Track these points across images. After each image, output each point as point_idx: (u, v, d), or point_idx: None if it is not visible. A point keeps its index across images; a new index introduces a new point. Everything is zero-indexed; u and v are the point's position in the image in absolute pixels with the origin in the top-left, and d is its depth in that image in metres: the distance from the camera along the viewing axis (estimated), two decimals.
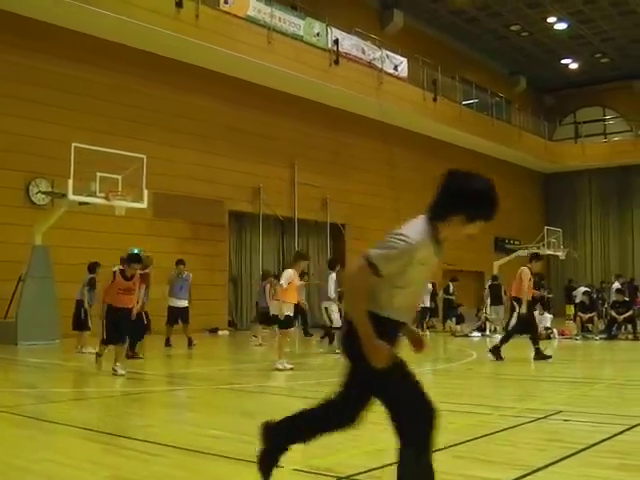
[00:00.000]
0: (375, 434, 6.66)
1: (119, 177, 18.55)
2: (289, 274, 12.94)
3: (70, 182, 17.62)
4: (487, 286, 25.90)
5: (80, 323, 16.42)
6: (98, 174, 18.20)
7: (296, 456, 5.64)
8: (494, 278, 26.26)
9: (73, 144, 17.75)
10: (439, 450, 5.77)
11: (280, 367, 12.32)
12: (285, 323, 12.90)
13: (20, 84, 21.01)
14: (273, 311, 15.24)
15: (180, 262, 18.34)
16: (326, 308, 17.22)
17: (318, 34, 27.84)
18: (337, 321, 16.32)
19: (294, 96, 28.19)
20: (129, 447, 6.11)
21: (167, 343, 17.79)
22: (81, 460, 5.64)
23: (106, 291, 12.12)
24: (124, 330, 12.05)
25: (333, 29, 28.38)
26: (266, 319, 18.53)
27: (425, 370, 13.70)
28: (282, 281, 12.89)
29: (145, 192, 19.32)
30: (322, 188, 29.63)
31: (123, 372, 11.36)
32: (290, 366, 12.50)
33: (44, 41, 21.30)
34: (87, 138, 19.17)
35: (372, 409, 7.19)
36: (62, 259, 20.22)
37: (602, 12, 35.40)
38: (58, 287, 19.48)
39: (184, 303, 17.95)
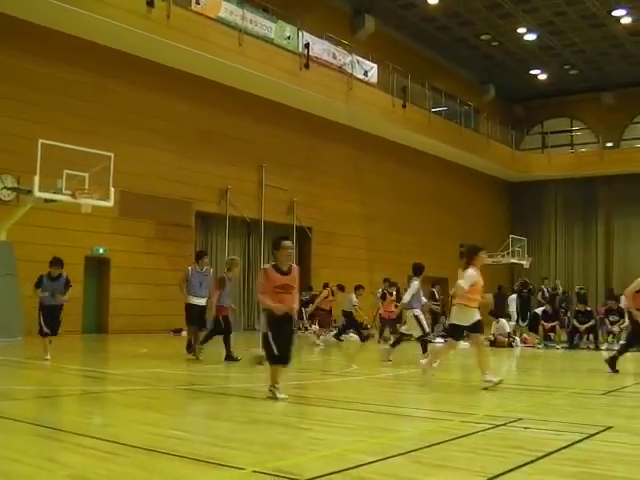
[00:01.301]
0: (336, 438, 6.69)
1: (86, 175, 18.46)
2: (473, 273, 10.98)
3: (36, 178, 17.50)
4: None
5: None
6: (65, 171, 18.09)
7: (256, 458, 5.64)
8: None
9: (40, 140, 17.65)
10: (399, 455, 5.81)
11: (493, 380, 10.48)
12: (476, 328, 10.92)
13: None
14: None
15: (201, 255, 16.16)
16: (416, 316, 15.50)
17: (289, 37, 27.87)
18: (427, 328, 15.83)
19: (264, 99, 28.19)
20: (89, 446, 6.06)
21: (189, 347, 15.41)
22: (40, 458, 5.59)
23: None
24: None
25: (304, 33, 28.44)
26: None
27: (387, 375, 13.75)
28: (463, 282, 10.72)
29: (112, 190, 19.22)
30: (290, 191, 29.66)
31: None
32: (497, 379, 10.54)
33: (11, 37, 21.15)
34: (54, 135, 19.04)
35: (332, 415, 7.19)
36: (26, 256, 20.01)
37: (572, 24, 35.79)
38: (21, 284, 19.30)
39: (203, 301, 15.50)
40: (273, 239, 9.68)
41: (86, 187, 18.56)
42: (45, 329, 14.01)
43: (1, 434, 6.63)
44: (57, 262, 14.26)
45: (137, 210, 24.00)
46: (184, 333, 24.29)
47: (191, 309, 15.46)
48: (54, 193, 18.14)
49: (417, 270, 16.04)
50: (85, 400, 9.47)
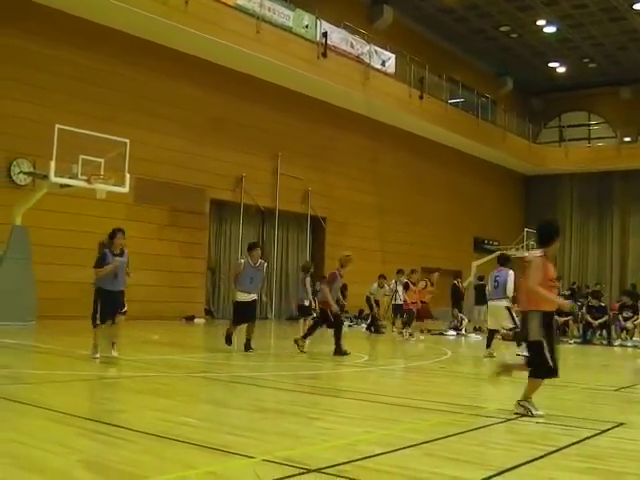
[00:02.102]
0: (346, 428, 6.70)
1: (102, 160, 18.44)
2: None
3: (52, 163, 17.50)
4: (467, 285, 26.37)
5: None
6: (81, 157, 18.07)
7: (267, 447, 5.65)
8: (480, 278, 26.37)
9: (57, 126, 17.64)
10: (410, 447, 5.81)
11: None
12: None
13: (4, 64, 20.84)
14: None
15: (254, 246, 14.64)
16: (508, 307, 14.89)
17: (307, 26, 27.79)
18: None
19: (280, 87, 28.15)
20: (100, 431, 6.09)
21: (228, 340, 14.40)
22: (51, 443, 5.61)
23: None
24: None
25: (322, 22, 28.35)
26: (304, 312, 18.79)
27: (398, 367, 13.75)
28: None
29: (127, 177, 19.21)
30: (305, 180, 29.62)
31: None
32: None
33: (30, 21, 21.15)
34: (71, 120, 19.03)
35: (343, 405, 7.20)
36: (41, 240, 20.12)
37: (592, 17, 35.56)
38: (36, 269, 19.39)
39: (251, 297, 14.23)
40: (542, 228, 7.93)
41: (102, 173, 18.57)
42: (98, 319, 11.86)
43: (13, 418, 6.66)
44: (122, 231, 12.45)
45: (152, 197, 24.02)
46: (196, 320, 24.47)
47: (237, 308, 14.34)
48: (70, 178, 18.14)
49: (505, 261, 15.57)
50: (98, 386, 9.51)
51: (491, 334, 15.25)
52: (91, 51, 22.53)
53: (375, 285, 24.22)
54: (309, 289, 18.59)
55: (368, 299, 24.31)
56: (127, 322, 22.07)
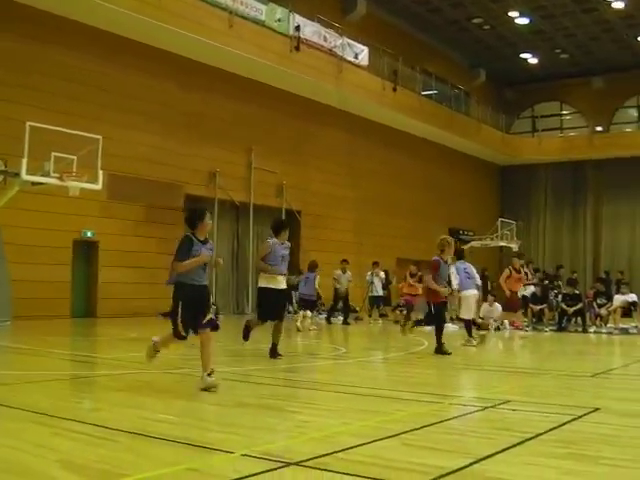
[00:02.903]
0: (324, 420, 6.71)
1: (74, 157, 18.31)
2: None
3: (24, 161, 17.35)
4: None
5: None
6: (53, 154, 17.94)
7: (245, 441, 5.65)
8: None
9: (28, 123, 17.50)
10: (388, 438, 5.83)
11: None
12: None
13: None
14: None
15: (282, 226, 12.93)
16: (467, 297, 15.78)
17: (280, 20, 27.74)
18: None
19: (254, 81, 28.09)
20: (78, 431, 6.06)
21: (245, 334, 13.37)
22: (29, 444, 5.58)
23: None
24: None
25: (295, 15, 28.32)
26: (310, 305, 20.45)
27: (376, 358, 13.79)
28: None
29: (100, 173, 19.09)
30: (279, 174, 29.59)
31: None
32: None
33: None
34: (43, 117, 18.91)
35: (321, 398, 7.22)
36: (14, 239, 19.99)
37: (564, 9, 35.73)
38: (10, 268, 19.25)
39: (283, 284, 12.55)
40: None
41: (74, 170, 18.44)
42: (183, 332, 8.79)
43: None
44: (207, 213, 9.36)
45: (126, 193, 23.90)
46: None
47: (266, 297, 12.23)
48: (42, 176, 18.00)
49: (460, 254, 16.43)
50: (75, 384, 9.47)
51: (467, 323, 15.61)
52: (62, 47, 22.36)
53: (338, 271, 24.06)
54: (317, 286, 21.03)
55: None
56: (104, 320, 22.14)
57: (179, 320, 8.72)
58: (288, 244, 12.81)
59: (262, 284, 12.17)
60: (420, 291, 20.64)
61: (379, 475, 4.71)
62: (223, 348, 13.79)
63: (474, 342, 15.13)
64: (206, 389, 8.11)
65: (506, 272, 20.80)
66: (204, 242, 9.18)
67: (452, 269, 15.50)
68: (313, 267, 21.26)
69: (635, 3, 34.88)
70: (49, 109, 21.11)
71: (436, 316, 13.76)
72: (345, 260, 24.37)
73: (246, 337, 13.00)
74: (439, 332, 13.42)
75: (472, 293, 15.72)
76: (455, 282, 15.65)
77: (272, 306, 12.03)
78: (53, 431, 6.07)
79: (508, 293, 20.34)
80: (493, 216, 38.99)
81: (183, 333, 8.75)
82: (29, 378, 9.51)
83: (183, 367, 11.21)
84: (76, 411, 7.23)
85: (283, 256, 12.39)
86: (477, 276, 16.08)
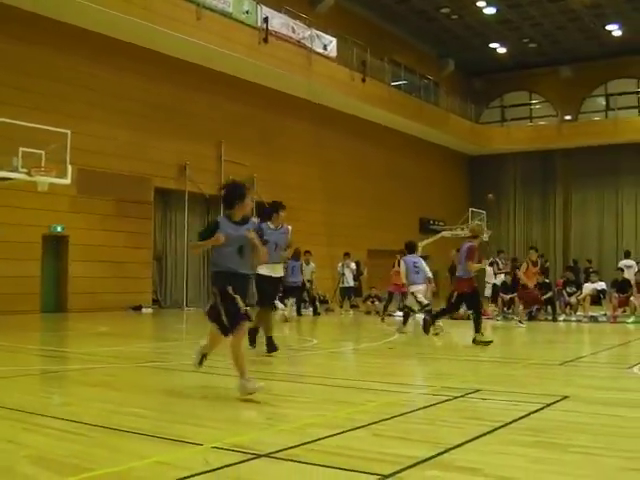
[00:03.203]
0: (295, 412, 6.73)
1: (42, 152, 18.21)
2: None
3: None
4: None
5: None
6: (21, 149, 17.83)
7: (216, 434, 5.66)
8: (423, 257, 26.55)
9: None
10: (359, 428, 5.86)
11: None
12: None
13: None
14: None
15: (277, 207, 12.40)
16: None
17: (247, 11, 27.66)
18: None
19: (223, 74, 28.00)
20: (48, 426, 6.04)
21: (252, 338, 11.86)
22: None
23: None
24: None
25: (263, 7, 28.25)
26: (293, 292, 20.87)
27: (347, 349, 13.83)
28: None
29: (69, 168, 19.00)
30: (250, 167, 29.50)
31: None
32: None
33: None
34: (10, 112, 18.74)
35: (292, 389, 7.23)
36: None
37: None
38: None
39: (277, 271, 12.19)
40: None
41: (43, 165, 18.33)
42: (227, 323, 7.58)
43: None
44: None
45: (95, 187, 23.77)
46: (144, 310, 24.31)
47: (261, 284, 11.68)
48: (10, 171, 17.89)
49: (412, 248, 16.55)
50: (44, 379, 9.42)
51: (407, 315, 16.40)
52: (30, 42, 22.14)
53: (301, 262, 23.68)
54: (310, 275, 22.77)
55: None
56: (74, 314, 22.03)
57: (223, 314, 7.56)
58: (286, 228, 12.09)
59: (258, 271, 11.45)
60: None
61: (350, 466, 4.74)
62: (191, 341, 13.75)
63: (438, 330, 15.35)
64: (250, 393, 7.27)
65: (524, 265, 20.24)
66: (241, 223, 7.90)
67: (402, 263, 16.25)
68: (297, 255, 21.73)
69: None
70: (16, 104, 20.89)
71: (477, 304, 13.85)
72: (308, 251, 24.22)
73: (253, 341, 11.64)
74: (477, 320, 13.45)
75: (419, 288, 15.80)
76: (403, 275, 16.12)
77: (265, 292, 11.62)
78: (23, 426, 6.04)
79: (531, 286, 20.05)
80: (463, 206, 39.13)
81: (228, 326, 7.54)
82: None
83: (155, 360, 11.18)
84: (46, 406, 7.20)
85: (277, 243, 11.67)
86: (427, 269, 16.17)
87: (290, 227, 12.06)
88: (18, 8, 21.53)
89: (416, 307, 15.97)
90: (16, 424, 6.13)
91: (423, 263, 16.14)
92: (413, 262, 16.01)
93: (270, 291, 11.66)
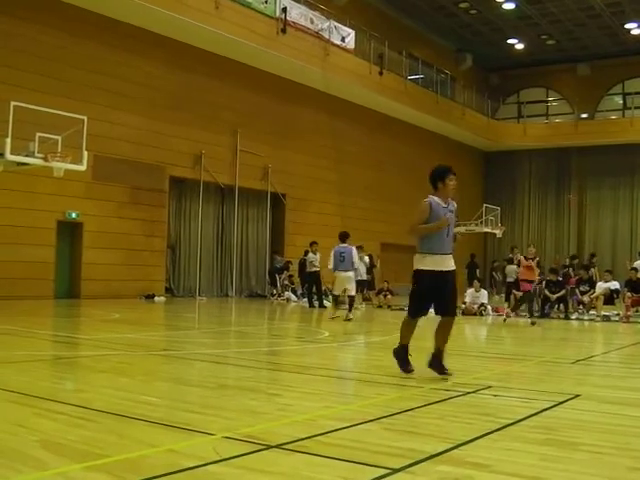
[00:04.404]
0: (306, 404, 6.73)
1: (59, 138, 18.25)
2: None
3: (8, 141, 17.28)
4: None
5: None
6: (37, 134, 17.88)
7: (227, 424, 5.66)
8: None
9: (12, 103, 17.42)
10: (369, 422, 5.86)
11: None
12: None
13: None
14: None
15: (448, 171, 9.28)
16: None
17: (266, 1, 27.63)
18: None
19: (240, 63, 28.01)
20: (60, 411, 6.05)
21: (402, 360, 8.78)
22: (9, 424, 5.57)
23: None
24: None
25: None
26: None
27: (359, 342, 13.82)
28: None
29: (85, 154, 19.05)
30: (264, 157, 29.55)
31: None
32: None
33: None
34: (27, 97, 18.81)
35: (303, 381, 7.21)
36: None
37: None
38: None
39: (449, 263, 9.14)
40: None
41: (59, 150, 18.38)
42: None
43: None
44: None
45: (110, 174, 23.85)
46: (157, 299, 24.37)
47: (425, 282, 8.37)
48: (26, 156, 17.95)
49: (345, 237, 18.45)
50: (56, 365, 9.44)
51: (336, 298, 18.54)
52: (48, 27, 22.22)
53: (311, 254, 23.48)
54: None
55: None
56: (87, 301, 22.10)
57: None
58: (454, 204, 8.98)
59: (420, 266, 8.37)
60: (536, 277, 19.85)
61: (359, 459, 4.73)
62: (203, 330, 13.79)
63: (335, 315, 17.74)
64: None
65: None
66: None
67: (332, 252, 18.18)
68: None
69: None
70: (35, 89, 20.99)
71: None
72: (314, 242, 23.78)
73: (404, 363, 8.65)
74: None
75: (347, 274, 17.85)
76: (330, 263, 18.03)
77: (433, 295, 8.35)
78: (34, 411, 6.06)
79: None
80: (477, 202, 39.08)
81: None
82: (11, 359, 9.49)
83: (167, 349, 11.21)
84: (58, 392, 7.22)
85: (449, 224, 8.60)
86: (355, 260, 18.22)
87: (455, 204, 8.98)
88: None
89: (336, 291, 18.39)
90: (27, 409, 6.16)
91: (353, 253, 18.01)
92: (340, 252, 17.90)
93: (434, 293, 8.36)
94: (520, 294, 21.68)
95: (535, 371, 9.75)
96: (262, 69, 28.96)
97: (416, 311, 8.46)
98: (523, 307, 20.07)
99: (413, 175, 38.64)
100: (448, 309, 8.38)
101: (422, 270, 8.08)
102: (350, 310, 17.89)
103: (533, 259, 19.71)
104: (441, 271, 8.04)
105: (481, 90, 44.67)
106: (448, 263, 8.21)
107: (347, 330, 15.87)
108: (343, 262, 17.80)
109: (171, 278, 27.27)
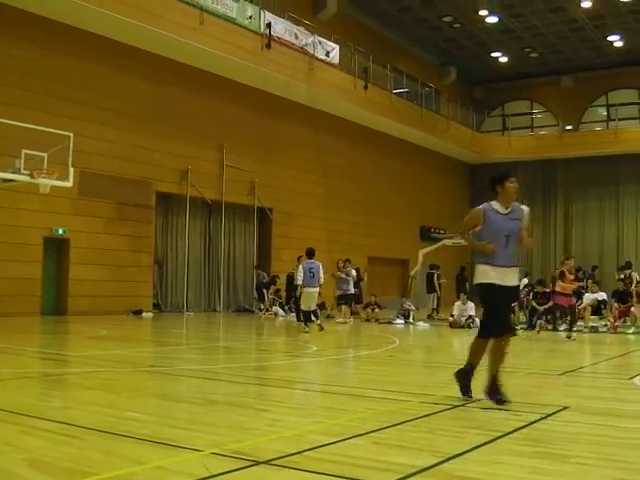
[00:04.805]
0: (294, 419, 6.71)
1: (45, 155, 18.22)
2: None
3: None
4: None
5: None
6: (23, 151, 17.84)
7: (215, 439, 5.64)
8: (432, 267, 26.62)
9: None
10: (358, 436, 5.84)
11: None
12: None
13: None
14: None
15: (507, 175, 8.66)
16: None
17: (251, 17, 27.68)
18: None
19: (225, 78, 28.04)
20: (46, 429, 6.02)
21: (465, 385, 8.04)
22: None
23: None
24: None
25: (266, 12, 28.27)
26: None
27: (347, 357, 13.80)
28: None
29: (71, 170, 19.01)
30: (251, 172, 29.57)
31: None
32: None
33: None
34: (13, 114, 18.76)
35: (291, 396, 7.19)
36: None
37: (533, 7, 35.97)
38: None
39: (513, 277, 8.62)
40: None
41: (45, 167, 18.34)
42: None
43: None
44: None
45: (97, 190, 23.79)
46: (144, 315, 24.28)
47: (494, 297, 7.60)
48: (12, 173, 17.90)
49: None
50: (43, 382, 9.39)
51: (307, 314, 18.69)
52: (31, 43, 22.17)
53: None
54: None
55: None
56: (75, 317, 22.01)
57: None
58: (522, 209, 8.15)
59: (483, 279, 7.69)
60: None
61: (349, 474, 4.72)
62: (191, 346, 13.76)
63: (307, 329, 18.04)
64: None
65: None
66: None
67: (299, 267, 18.98)
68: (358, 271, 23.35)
69: (603, 3, 35.21)
70: (19, 105, 20.95)
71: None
72: (302, 256, 23.71)
73: (466, 389, 7.88)
74: None
75: (313, 290, 18.44)
76: (300, 278, 18.58)
77: (502, 313, 7.76)
78: (20, 429, 6.02)
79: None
80: (463, 214, 38.95)
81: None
82: None
83: (155, 365, 11.17)
84: (44, 409, 7.17)
85: (508, 237, 7.72)
86: (322, 275, 18.62)
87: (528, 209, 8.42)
88: (23, 10, 21.57)
89: (304, 306, 18.74)
90: (13, 427, 6.12)
91: (320, 269, 18.53)
92: (309, 267, 18.44)
93: (502, 310, 7.77)
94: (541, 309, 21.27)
95: (523, 383, 9.75)
96: (247, 84, 28.98)
97: (490, 329, 7.66)
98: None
99: (400, 188, 38.83)
100: (508, 326, 7.91)
101: (488, 284, 7.53)
102: (317, 318, 19.09)
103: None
104: (503, 286, 7.51)
105: (466, 103, 44.84)
106: (510, 277, 7.60)
107: (335, 344, 15.86)
108: (313, 278, 18.39)
109: (159, 294, 27.18)
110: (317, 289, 18.62)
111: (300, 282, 18.65)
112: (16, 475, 4.65)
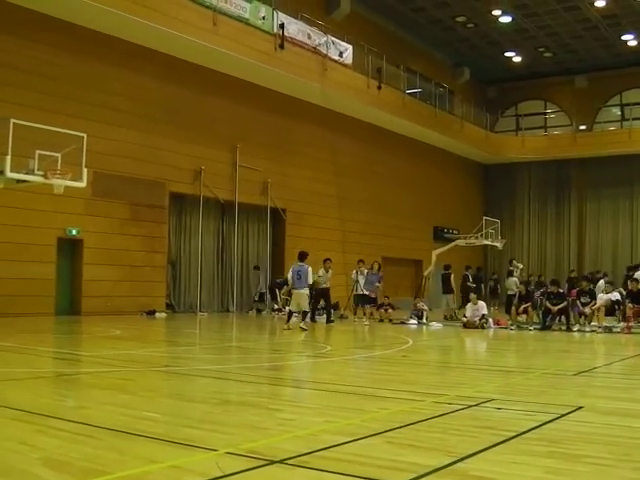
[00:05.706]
0: (308, 419, 6.71)
1: (59, 155, 18.26)
2: None
3: (8, 159, 17.28)
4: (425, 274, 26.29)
5: None
6: (37, 151, 17.89)
7: (230, 439, 5.65)
8: (446, 267, 26.55)
9: (12, 120, 17.43)
10: (371, 436, 5.84)
11: None
12: None
13: None
14: None
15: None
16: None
17: (264, 18, 27.70)
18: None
19: (238, 79, 28.07)
20: (61, 428, 6.03)
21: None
22: (11, 441, 5.55)
23: None
24: None
25: (279, 13, 28.30)
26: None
27: (360, 356, 13.80)
28: None
29: (85, 171, 19.05)
30: (264, 172, 29.59)
31: None
32: None
33: None
34: (27, 115, 18.84)
35: (305, 396, 7.20)
36: None
37: (547, 7, 35.87)
38: None
39: None
40: None
41: (59, 168, 18.39)
42: None
43: None
44: None
45: (110, 191, 23.87)
46: (158, 315, 24.34)
47: None
48: (26, 174, 17.96)
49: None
50: (58, 382, 9.42)
51: (290, 314, 19.55)
52: (46, 44, 22.28)
53: (322, 270, 23.28)
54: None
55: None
56: (88, 317, 22.07)
57: None
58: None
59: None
60: None
61: (363, 473, 4.72)
62: (204, 346, 13.77)
63: (291, 327, 18.82)
64: None
65: None
66: None
67: (290, 270, 19.68)
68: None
69: (617, 2, 35.08)
70: (33, 106, 21.05)
71: None
72: (328, 259, 23.78)
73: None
74: None
75: (302, 292, 19.21)
76: (289, 280, 19.67)
77: None
78: (36, 428, 6.04)
79: None
80: (477, 214, 39.07)
81: None
82: (13, 376, 9.47)
83: (169, 365, 11.19)
84: (59, 409, 7.20)
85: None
86: (310, 278, 19.36)
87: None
88: (36, 12, 21.66)
89: (293, 307, 19.56)
90: (29, 426, 6.14)
91: (308, 272, 19.20)
92: (297, 270, 19.21)
93: None
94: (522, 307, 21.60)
95: (537, 383, 9.73)
96: (260, 84, 29.02)
97: None
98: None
99: (413, 188, 38.79)
100: None
101: None
102: (304, 319, 19.71)
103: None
104: None
105: (479, 103, 44.76)
106: None
107: (348, 344, 15.85)
108: (300, 280, 19.15)
109: (172, 294, 27.23)
110: (304, 290, 19.31)
111: (290, 285, 19.98)
112: (32, 474, 4.67)
